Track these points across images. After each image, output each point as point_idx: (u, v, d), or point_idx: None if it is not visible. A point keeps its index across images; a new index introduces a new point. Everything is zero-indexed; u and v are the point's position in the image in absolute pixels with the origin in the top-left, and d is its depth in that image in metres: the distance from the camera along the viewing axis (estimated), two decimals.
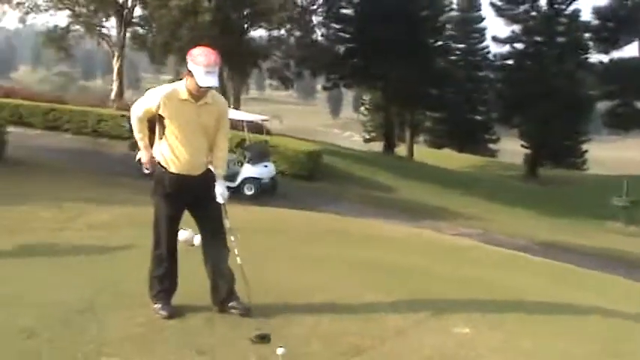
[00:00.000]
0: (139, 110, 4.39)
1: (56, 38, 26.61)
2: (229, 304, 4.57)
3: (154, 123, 4.41)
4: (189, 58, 4.23)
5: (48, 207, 8.70)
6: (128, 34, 25.81)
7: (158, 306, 4.49)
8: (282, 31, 27.31)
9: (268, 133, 22.78)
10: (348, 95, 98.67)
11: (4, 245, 6.39)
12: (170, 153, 4.35)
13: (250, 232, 8.48)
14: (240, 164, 16.81)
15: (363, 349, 4.21)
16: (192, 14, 22.15)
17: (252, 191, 16.42)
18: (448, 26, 43.17)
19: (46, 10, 26.13)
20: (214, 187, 4.45)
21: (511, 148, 48.01)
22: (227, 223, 4.53)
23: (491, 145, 51.10)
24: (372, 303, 5.19)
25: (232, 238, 4.54)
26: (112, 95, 26.17)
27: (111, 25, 27.01)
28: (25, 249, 6.40)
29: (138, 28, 25.65)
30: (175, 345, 3.99)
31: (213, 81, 4.18)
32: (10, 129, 17.98)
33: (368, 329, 4.57)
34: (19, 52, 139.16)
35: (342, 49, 34.65)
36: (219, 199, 4.42)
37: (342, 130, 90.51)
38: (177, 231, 4.65)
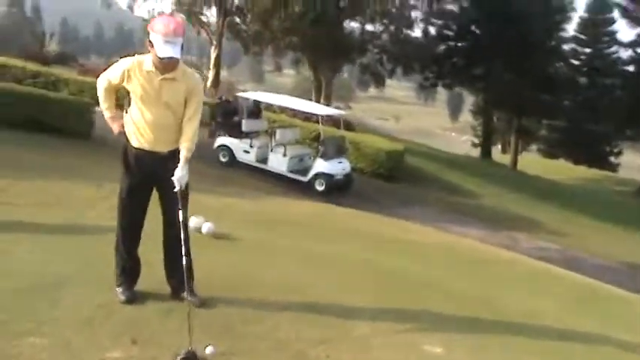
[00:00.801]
0: (103, 80, 4.24)
1: None
2: (182, 295, 4.34)
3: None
4: (149, 27, 4.01)
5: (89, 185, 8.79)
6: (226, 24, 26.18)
7: (119, 289, 4.40)
8: (377, 26, 26.80)
9: (349, 128, 22.38)
10: (470, 98, 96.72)
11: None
12: (132, 125, 4.19)
13: (273, 224, 8.38)
14: (313, 159, 16.52)
15: (308, 357, 3.90)
16: (282, 4, 22.15)
17: (324, 187, 16.03)
18: (574, 28, 40.32)
19: None
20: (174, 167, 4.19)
21: (638, 163, 44.72)
22: (180, 215, 4.22)
23: (612, 159, 46.66)
24: (349, 309, 4.87)
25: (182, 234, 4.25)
26: (208, 83, 26.75)
27: (211, 14, 27.70)
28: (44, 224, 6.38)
29: (235, 17, 26.03)
30: (116, 331, 3.86)
31: (172, 51, 3.91)
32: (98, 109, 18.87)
33: (327, 336, 4.25)
34: (129, 37, 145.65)
35: (441, 46, 33.53)
36: (176, 184, 4.13)
37: (459, 133, 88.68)
38: (142, 207, 4.38)
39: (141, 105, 4.11)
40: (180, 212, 4.21)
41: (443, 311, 5.21)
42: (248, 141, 16.99)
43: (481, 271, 7.72)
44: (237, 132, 17.18)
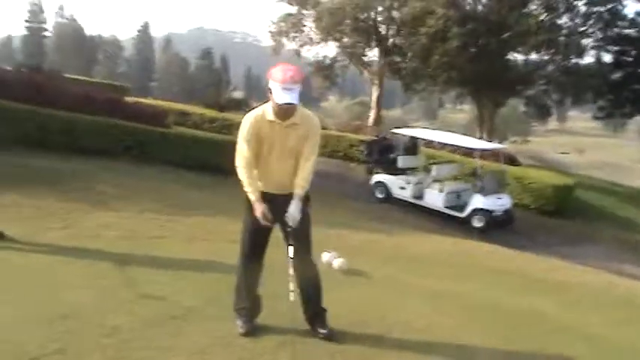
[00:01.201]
0: (239, 160, 4.30)
1: (324, 68, 28.73)
2: (314, 326, 4.54)
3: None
4: (268, 75, 4.14)
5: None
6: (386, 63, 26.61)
7: (239, 322, 4.53)
8: (541, 55, 25.55)
9: (513, 162, 21.46)
10: None
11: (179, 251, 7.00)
12: (258, 171, 4.33)
13: (410, 261, 8.20)
14: (471, 194, 16.04)
15: None
16: (440, 40, 22.02)
17: (482, 224, 15.49)
18: None
19: (317, 43, 28.48)
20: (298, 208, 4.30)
21: None
22: (290, 251, 4.30)
23: None
24: (472, 350, 4.66)
25: (290, 272, 4.30)
26: (370, 122, 27.25)
27: (372, 55, 28.34)
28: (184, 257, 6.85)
29: (395, 57, 26.36)
30: None
31: (290, 98, 4.02)
32: None
33: None
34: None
35: (617, 73, 31.02)
36: (289, 221, 4.24)
37: None
38: (263, 247, 4.52)
39: (267, 153, 4.25)
40: (290, 248, 4.29)
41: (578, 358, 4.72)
42: (404, 177, 16.97)
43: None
44: (393, 168, 17.26)
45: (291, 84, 4.03)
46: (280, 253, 4.50)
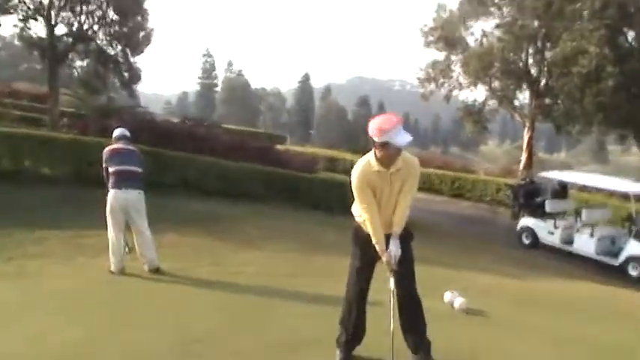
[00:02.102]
0: (364, 211, 4.54)
1: (473, 112, 28.50)
2: (417, 354, 4.72)
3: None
4: (371, 132, 4.33)
5: None
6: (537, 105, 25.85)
7: (338, 353, 4.84)
8: None
9: None
10: None
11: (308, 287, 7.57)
12: (364, 217, 4.60)
13: (535, 304, 8.03)
14: (626, 240, 15.08)
15: None
16: (594, 80, 21.08)
17: (638, 271, 14.47)
18: None
19: (467, 87, 28.38)
20: (405, 244, 4.58)
21: None
22: (391, 283, 4.56)
23: None
24: None
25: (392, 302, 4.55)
26: (521, 166, 26.52)
27: (523, 97, 27.69)
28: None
29: (545, 99, 25.53)
30: None
31: (407, 137, 4.27)
32: (418, 194, 20.31)
33: None
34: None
35: None
36: (390, 259, 4.48)
37: None
38: (367, 282, 4.79)
39: (376, 200, 4.51)
40: (391, 280, 4.55)
41: None
42: (552, 222, 16.38)
43: None
44: (540, 213, 16.74)
45: (400, 125, 4.30)
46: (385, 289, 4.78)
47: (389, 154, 4.34)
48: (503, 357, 5.22)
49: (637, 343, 6.42)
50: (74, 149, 12.57)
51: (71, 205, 10.93)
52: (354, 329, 4.80)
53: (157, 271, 7.78)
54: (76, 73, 24.89)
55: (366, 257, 4.68)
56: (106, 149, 7.89)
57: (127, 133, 8.18)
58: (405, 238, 4.62)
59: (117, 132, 8.16)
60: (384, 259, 4.49)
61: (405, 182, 4.49)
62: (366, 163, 4.49)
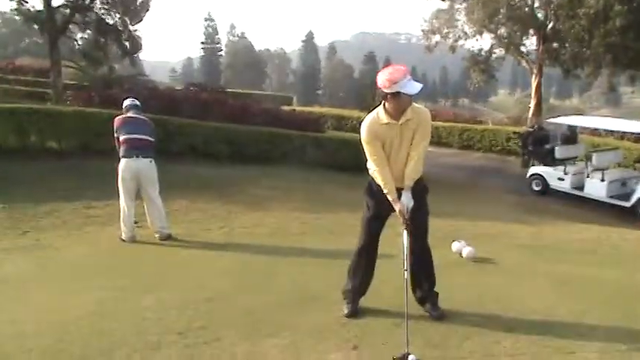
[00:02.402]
0: (372, 164, 4.59)
1: (479, 61, 28.16)
2: (425, 307, 4.84)
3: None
4: (381, 85, 4.34)
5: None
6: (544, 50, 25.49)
7: (345, 304, 4.93)
8: None
9: None
10: None
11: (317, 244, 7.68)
12: (373, 169, 4.61)
13: (544, 249, 8.10)
14: (637, 182, 15.02)
15: None
16: (602, 21, 20.65)
17: None
18: None
19: (472, 36, 27.99)
20: (419, 197, 4.62)
21: None
22: (405, 235, 4.58)
23: None
24: (583, 333, 4.60)
25: (405, 253, 4.59)
26: (530, 113, 26.33)
27: (529, 43, 27.30)
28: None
29: (553, 43, 25.13)
30: (343, 338, 4.38)
31: (418, 85, 4.28)
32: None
33: (541, 355, 4.16)
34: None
35: None
36: (402, 210, 4.51)
37: None
38: (378, 233, 4.84)
39: (387, 153, 4.52)
40: (405, 232, 4.57)
41: None
42: (562, 168, 16.31)
43: None
44: (550, 159, 16.66)
45: (408, 74, 4.29)
46: (396, 241, 4.87)
47: (400, 104, 4.35)
48: (510, 302, 5.26)
49: None
50: (79, 121, 12.61)
51: (80, 177, 11.02)
52: (360, 279, 4.88)
53: (168, 238, 7.88)
54: (77, 45, 24.76)
55: (378, 208, 4.72)
56: (117, 118, 7.93)
57: (137, 102, 8.21)
58: (420, 192, 4.65)
59: (127, 102, 8.18)
60: (396, 209, 4.52)
61: (416, 133, 4.47)
62: (374, 117, 4.50)
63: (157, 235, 7.89)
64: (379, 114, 4.47)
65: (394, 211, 4.60)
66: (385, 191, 4.52)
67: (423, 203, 4.71)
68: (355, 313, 4.85)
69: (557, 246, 8.62)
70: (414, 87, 4.27)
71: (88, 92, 15.16)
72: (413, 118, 4.42)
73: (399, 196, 4.53)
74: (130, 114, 7.98)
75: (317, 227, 9.04)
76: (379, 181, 4.54)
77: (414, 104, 4.48)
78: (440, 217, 9.44)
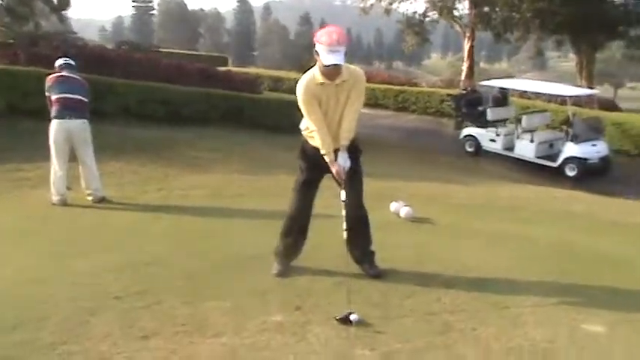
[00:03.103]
0: (309, 123, 4.55)
1: (413, 24, 28.36)
2: (363, 266, 4.88)
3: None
4: (315, 39, 4.35)
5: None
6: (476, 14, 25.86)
7: (275, 265, 4.94)
8: None
9: (613, 109, 20.46)
10: None
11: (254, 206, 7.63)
12: (312, 129, 4.57)
13: (478, 209, 8.35)
14: (563, 143, 15.61)
15: (453, 329, 3.95)
16: None
17: (575, 172, 15.12)
18: None
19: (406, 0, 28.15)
20: (354, 158, 4.61)
21: None
22: (342, 195, 4.56)
23: None
24: (517, 288, 4.76)
25: (342, 213, 4.57)
26: (462, 76, 26.79)
27: (462, 7, 27.69)
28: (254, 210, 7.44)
29: (484, 7, 25.54)
30: (285, 300, 4.36)
31: (335, 59, 4.23)
32: (363, 110, 20.47)
33: (480, 311, 4.27)
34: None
35: None
36: (339, 170, 4.49)
37: None
38: (312, 196, 4.86)
39: (323, 113, 4.48)
40: (342, 192, 4.54)
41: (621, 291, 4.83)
42: (494, 129, 16.77)
43: None
44: (482, 121, 17.07)
45: (337, 46, 4.24)
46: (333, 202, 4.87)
47: (322, 67, 4.32)
48: (447, 261, 5.38)
49: (573, 237, 6.73)
50: (4, 80, 11.98)
51: (7, 139, 10.51)
52: (292, 242, 4.90)
53: (101, 200, 7.67)
54: (0, 1, 23.39)
55: (313, 171, 4.72)
56: (49, 77, 7.62)
57: (71, 62, 7.89)
58: (354, 153, 4.65)
59: (60, 60, 7.87)
60: (333, 170, 4.51)
61: (351, 93, 4.46)
62: (311, 77, 4.46)
63: (90, 198, 7.65)
64: (315, 74, 4.43)
65: (328, 172, 4.61)
66: (323, 152, 4.50)
67: (357, 165, 4.73)
68: (284, 273, 4.87)
69: (491, 205, 8.89)
70: (329, 59, 4.22)
71: (13, 50, 14.40)
72: (348, 79, 4.41)
73: (336, 158, 4.52)
74: (63, 73, 7.66)
75: (255, 189, 8.97)
76: (317, 141, 4.52)
77: (349, 65, 4.48)
78: (377, 177, 9.55)
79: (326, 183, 4.80)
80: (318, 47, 4.27)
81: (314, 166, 4.66)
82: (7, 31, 19.02)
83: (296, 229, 4.88)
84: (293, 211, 4.88)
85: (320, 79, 4.40)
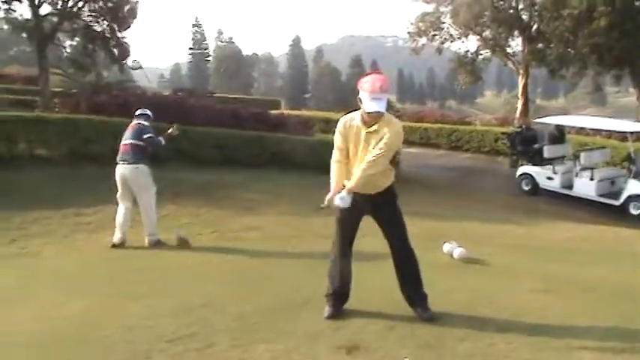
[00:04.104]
0: (333, 155, 4.71)
1: (466, 62, 28.32)
2: (416, 310, 4.82)
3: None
4: (358, 86, 4.47)
5: None
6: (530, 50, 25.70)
7: (327, 308, 4.90)
8: None
9: None
10: None
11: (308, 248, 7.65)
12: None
13: (534, 249, 8.11)
14: (626, 180, 15.11)
15: None
16: (586, 21, 20.82)
17: None
18: None
19: (458, 39, 28.14)
20: (391, 204, 4.73)
21: None
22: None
23: None
24: (577, 334, 4.58)
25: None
26: (517, 113, 26.47)
27: (515, 44, 27.54)
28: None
29: (538, 44, 25.35)
30: (337, 343, 4.31)
31: (377, 106, 4.33)
32: (416, 149, 20.53)
33: (533, 354, 4.14)
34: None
35: None
36: (337, 202, 4.51)
37: None
38: (352, 239, 4.88)
39: (352, 154, 4.60)
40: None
41: None
42: (551, 167, 16.40)
43: None
44: (538, 159, 16.75)
45: (380, 93, 4.35)
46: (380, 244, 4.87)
47: (364, 112, 4.43)
48: (502, 304, 5.24)
49: (636, 279, 6.47)
50: (66, 128, 12.51)
51: (69, 184, 10.92)
52: (340, 281, 4.87)
53: (157, 244, 7.84)
54: (65, 53, 24.66)
55: (350, 215, 4.70)
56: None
57: (148, 112, 8.33)
58: (389, 200, 4.73)
59: (138, 111, 8.35)
60: (327, 197, 4.53)
61: (380, 141, 4.48)
62: (351, 115, 4.59)
63: (146, 240, 7.84)
64: (355, 114, 4.56)
65: (366, 214, 4.70)
66: (331, 181, 4.61)
67: (396, 210, 4.77)
68: (336, 315, 4.84)
69: (549, 245, 8.65)
70: (372, 106, 4.33)
71: (75, 99, 15.07)
72: (382, 129, 4.46)
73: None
74: (135, 121, 8.08)
75: (307, 231, 9.00)
76: (331, 171, 4.64)
77: (390, 117, 4.55)
78: (429, 217, 9.50)
79: (373, 228, 4.78)
80: (361, 94, 4.38)
81: (351, 210, 4.61)
82: (70, 81, 19.98)
83: (339, 268, 4.85)
84: (334, 250, 4.91)
85: (357, 121, 4.52)
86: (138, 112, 8.32)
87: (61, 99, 16.02)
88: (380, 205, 4.70)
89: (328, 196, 4.57)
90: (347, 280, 4.90)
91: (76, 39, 24.13)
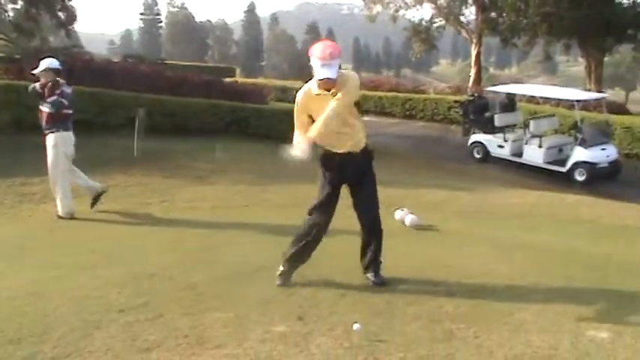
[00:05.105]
0: (296, 131, 4.68)
1: (420, 31, 28.41)
2: (367, 273, 4.90)
3: None
4: (309, 53, 4.42)
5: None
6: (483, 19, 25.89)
7: (281, 266, 4.90)
8: None
9: (622, 112, 20.31)
10: None
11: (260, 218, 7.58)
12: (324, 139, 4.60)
13: (483, 215, 8.28)
14: (572, 147, 15.51)
15: (455, 337, 3.91)
16: None
17: (584, 177, 14.98)
18: None
19: (413, 6, 28.18)
20: (366, 164, 4.76)
21: None
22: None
23: None
24: (520, 294, 4.72)
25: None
26: (470, 82, 26.75)
27: (469, 13, 27.76)
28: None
29: (491, 12, 25.55)
30: (288, 310, 4.34)
31: (328, 73, 4.29)
32: (370, 118, 20.57)
33: (484, 318, 4.22)
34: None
35: None
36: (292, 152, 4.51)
37: None
38: (335, 200, 4.79)
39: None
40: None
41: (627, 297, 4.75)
42: (502, 135, 16.70)
43: None
44: (490, 127, 17.02)
45: (330, 60, 4.31)
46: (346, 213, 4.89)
47: (317, 80, 4.39)
48: (451, 268, 5.36)
49: (580, 243, 6.68)
50: (10, 94, 12.05)
51: (13, 154, 10.57)
52: (304, 249, 4.84)
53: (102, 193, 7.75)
54: (7, 17, 23.65)
55: (331, 176, 4.71)
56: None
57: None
58: (365, 158, 4.72)
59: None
60: (295, 143, 4.50)
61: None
62: (308, 88, 4.54)
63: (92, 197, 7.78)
64: (312, 85, 4.51)
65: (347, 182, 4.72)
66: (296, 138, 4.55)
67: (370, 171, 4.79)
68: (288, 275, 4.90)
69: (499, 212, 8.83)
70: (322, 73, 4.29)
71: (19, 65, 14.50)
72: (343, 89, 4.42)
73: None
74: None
75: (260, 200, 8.97)
76: (294, 140, 4.57)
77: (343, 71, 4.50)
78: (383, 185, 9.46)
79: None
80: (312, 61, 4.35)
81: (333, 173, 4.69)
82: (13, 46, 19.21)
83: (311, 240, 4.80)
84: (313, 214, 4.82)
85: (316, 90, 4.47)
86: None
87: (4, 65, 15.39)
88: (360, 167, 4.71)
89: (295, 144, 4.50)
90: (311, 251, 4.88)
91: (20, 2, 23.21)
